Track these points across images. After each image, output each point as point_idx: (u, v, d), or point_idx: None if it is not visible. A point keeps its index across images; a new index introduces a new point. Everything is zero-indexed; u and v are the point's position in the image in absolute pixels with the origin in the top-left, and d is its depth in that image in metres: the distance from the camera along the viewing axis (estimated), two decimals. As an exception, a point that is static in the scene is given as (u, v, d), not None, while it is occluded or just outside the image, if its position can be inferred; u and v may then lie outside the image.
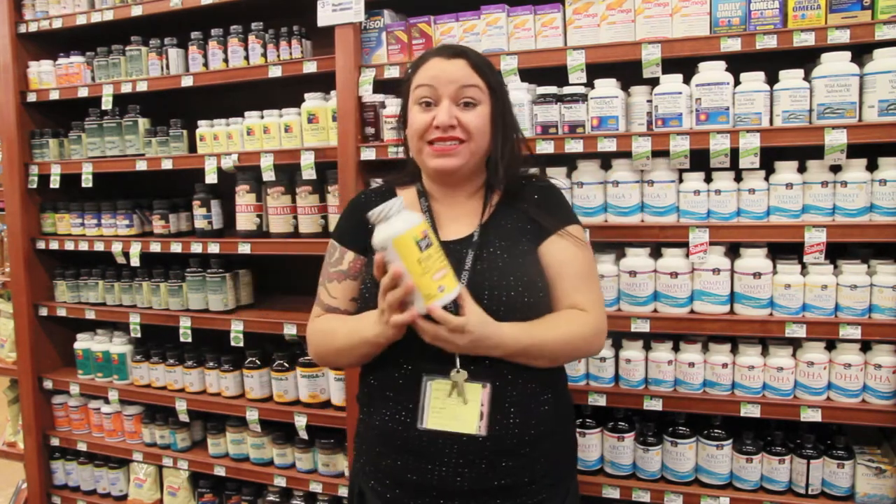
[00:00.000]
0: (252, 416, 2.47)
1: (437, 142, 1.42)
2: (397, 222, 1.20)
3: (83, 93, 2.69)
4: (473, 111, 1.43)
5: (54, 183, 2.76)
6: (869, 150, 1.80)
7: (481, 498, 1.39)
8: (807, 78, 1.83)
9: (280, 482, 2.49)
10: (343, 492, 2.38)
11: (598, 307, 1.49)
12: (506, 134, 1.49)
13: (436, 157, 1.43)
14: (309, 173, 2.30)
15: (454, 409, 1.36)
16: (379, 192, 1.60)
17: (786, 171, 1.86)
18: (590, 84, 1.99)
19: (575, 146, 1.96)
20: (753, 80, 1.85)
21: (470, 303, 1.30)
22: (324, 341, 1.52)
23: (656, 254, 2.00)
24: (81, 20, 2.64)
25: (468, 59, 1.44)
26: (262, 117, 2.43)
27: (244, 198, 2.46)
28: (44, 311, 2.88)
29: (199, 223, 2.57)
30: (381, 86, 2.20)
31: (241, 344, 2.49)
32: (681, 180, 1.94)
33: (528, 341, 1.37)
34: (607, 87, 1.97)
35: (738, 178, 1.90)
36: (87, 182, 2.71)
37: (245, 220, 2.47)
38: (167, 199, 2.67)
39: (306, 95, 2.33)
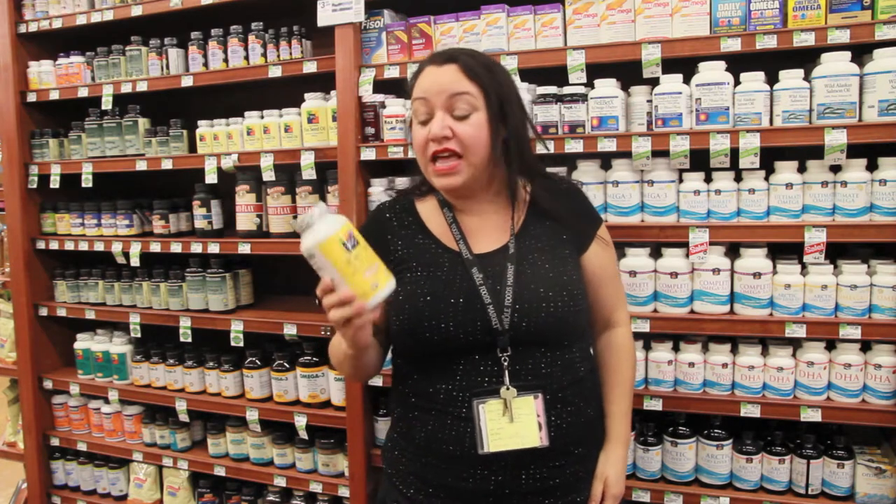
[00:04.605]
0: (252, 416, 2.47)
1: (438, 157, 1.39)
2: (321, 227, 1.19)
3: (83, 93, 2.69)
4: (467, 122, 1.37)
5: (54, 183, 2.76)
6: (869, 150, 1.80)
7: (535, 498, 1.40)
8: (807, 78, 1.83)
9: (280, 482, 2.49)
10: (343, 492, 2.38)
11: (627, 309, 1.65)
12: (518, 133, 1.43)
13: (438, 176, 1.41)
14: (309, 173, 2.30)
15: (512, 427, 1.35)
16: (397, 204, 1.57)
17: (786, 171, 1.86)
18: (590, 84, 1.99)
19: (575, 146, 1.96)
20: (753, 80, 1.85)
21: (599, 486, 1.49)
22: (332, 358, 1.56)
23: (656, 254, 2.00)
24: (81, 20, 2.64)
25: (459, 64, 1.38)
26: (262, 117, 2.43)
27: (244, 198, 2.46)
28: (44, 311, 2.88)
29: (199, 223, 2.57)
30: (381, 86, 2.20)
31: (241, 344, 2.49)
32: (681, 180, 1.94)
33: (629, 420, 1.57)
34: (607, 87, 1.97)
35: (738, 178, 1.90)
36: (87, 182, 2.71)
37: (245, 220, 2.47)
38: (167, 199, 2.67)
39: (306, 95, 2.33)
